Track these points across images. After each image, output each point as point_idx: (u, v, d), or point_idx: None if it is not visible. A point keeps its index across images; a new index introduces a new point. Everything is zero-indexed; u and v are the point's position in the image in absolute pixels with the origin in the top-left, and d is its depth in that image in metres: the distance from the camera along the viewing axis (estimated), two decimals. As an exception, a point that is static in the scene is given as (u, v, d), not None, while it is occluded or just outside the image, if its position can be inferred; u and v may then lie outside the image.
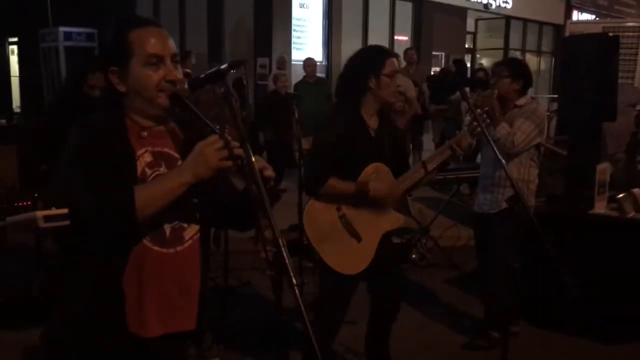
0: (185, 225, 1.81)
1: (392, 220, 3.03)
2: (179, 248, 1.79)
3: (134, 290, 1.72)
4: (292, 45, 12.84)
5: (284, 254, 1.57)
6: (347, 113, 2.94)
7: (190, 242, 1.82)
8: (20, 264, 4.76)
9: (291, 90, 8.40)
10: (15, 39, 18.76)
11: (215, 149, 1.62)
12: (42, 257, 4.35)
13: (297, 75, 9.87)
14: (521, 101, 3.77)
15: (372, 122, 2.98)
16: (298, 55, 12.56)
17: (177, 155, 1.81)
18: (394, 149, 3.06)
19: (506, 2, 17.63)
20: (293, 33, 12.89)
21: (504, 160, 2.82)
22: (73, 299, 1.78)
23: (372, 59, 2.94)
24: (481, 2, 16.81)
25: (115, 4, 14.60)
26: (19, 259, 4.87)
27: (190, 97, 1.73)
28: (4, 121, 12.88)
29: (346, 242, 2.90)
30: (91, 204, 1.62)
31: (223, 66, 1.74)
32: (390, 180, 2.93)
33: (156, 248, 1.74)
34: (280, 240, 1.58)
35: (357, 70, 2.95)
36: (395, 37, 14.66)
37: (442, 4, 15.44)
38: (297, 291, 1.53)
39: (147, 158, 1.75)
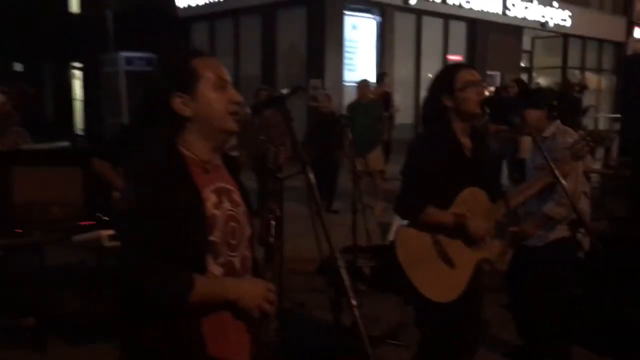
0: (247, 253, 1.84)
1: (489, 248, 2.84)
2: (247, 278, 1.83)
3: (215, 328, 1.72)
4: (344, 66, 12.96)
5: (343, 276, 1.60)
6: (442, 136, 2.81)
7: (250, 267, 1.86)
8: (83, 282, 4.93)
9: (344, 112, 8.46)
10: (79, 64, 19.62)
11: (264, 297, 1.71)
12: (104, 275, 4.48)
13: (350, 96, 9.93)
14: (547, 132, 3.63)
15: (467, 143, 2.83)
16: (350, 76, 12.66)
17: (232, 188, 1.82)
18: (490, 170, 2.94)
19: (564, 20, 17.30)
20: (345, 55, 13.02)
21: (563, 182, 2.72)
22: (149, 332, 1.70)
23: (442, 78, 2.86)
24: (538, 21, 16.56)
25: (173, 29, 15.16)
26: (82, 276, 5.04)
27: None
28: (67, 143, 13.48)
29: (438, 269, 2.74)
30: (148, 279, 1.62)
31: (285, 91, 1.80)
32: (487, 213, 2.76)
33: None
34: (338, 262, 1.61)
35: (432, 92, 2.87)
36: (449, 57, 14.58)
37: (497, 23, 15.30)
38: (356, 312, 1.56)
39: (213, 198, 1.73)
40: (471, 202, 2.72)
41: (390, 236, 6.25)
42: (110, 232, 3.95)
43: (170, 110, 1.71)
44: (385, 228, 6.64)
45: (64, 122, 19.16)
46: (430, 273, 2.75)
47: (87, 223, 4.42)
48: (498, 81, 14.98)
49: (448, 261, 2.76)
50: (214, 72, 1.74)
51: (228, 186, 1.81)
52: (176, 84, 1.71)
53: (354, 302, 1.57)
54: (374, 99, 8.83)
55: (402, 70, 13.70)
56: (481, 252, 2.82)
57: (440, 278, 2.75)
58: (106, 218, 4.40)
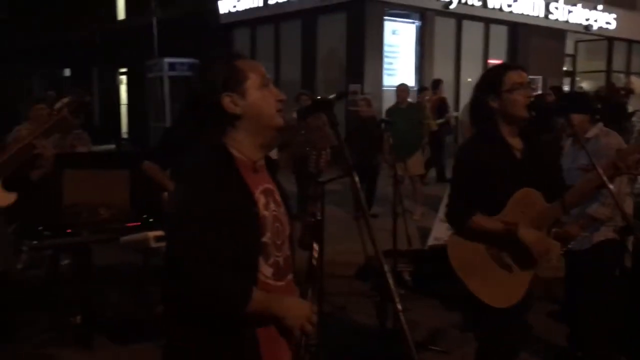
0: (288, 252, 1.88)
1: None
2: (289, 277, 1.87)
3: (267, 334, 1.76)
4: (384, 71, 12.95)
5: (389, 281, 1.62)
6: (487, 138, 2.68)
7: (291, 266, 1.89)
8: (128, 283, 5.07)
9: (382, 116, 8.45)
10: (125, 70, 20.10)
11: (307, 318, 1.75)
12: (149, 276, 4.60)
13: (389, 101, 9.94)
14: (590, 133, 3.57)
15: (516, 143, 2.70)
16: (390, 81, 12.65)
17: (273, 188, 1.86)
18: (546, 170, 2.75)
19: (609, 23, 16.89)
20: (385, 59, 13.01)
21: (612, 186, 2.63)
22: (198, 335, 1.73)
23: (489, 78, 2.75)
24: (581, 24, 16.21)
25: (215, 35, 15.40)
26: (129, 278, 5.18)
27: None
28: (113, 146, 13.87)
29: (496, 274, 2.64)
30: (207, 287, 1.65)
31: (331, 96, 1.83)
32: (541, 215, 2.62)
33: (278, 283, 1.80)
34: (384, 267, 1.63)
35: (479, 93, 2.74)
36: (489, 61, 14.42)
37: (539, 26, 15.05)
38: (402, 317, 1.58)
39: (262, 199, 1.77)
40: (524, 204, 2.59)
41: (430, 241, 6.24)
42: (157, 233, 4.05)
43: (220, 109, 1.74)
44: (424, 232, 6.61)
45: (110, 126, 19.67)
46: (487, 279, 2.63)
47: (133, 224, 4.54)
48: (540, 86, 14.74)
49: (505, 265, 2.64)
50: (257, 71, 1.79)
51: (271, 187, 1.85)
52: (224, 84, 1.74)
53: (399, 307, 1.58)
54: (413, 103, 8.80)
55: (442, 74, 13.55)
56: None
57: (498, 283, 2.63)
58: (152, 220, 4.51)
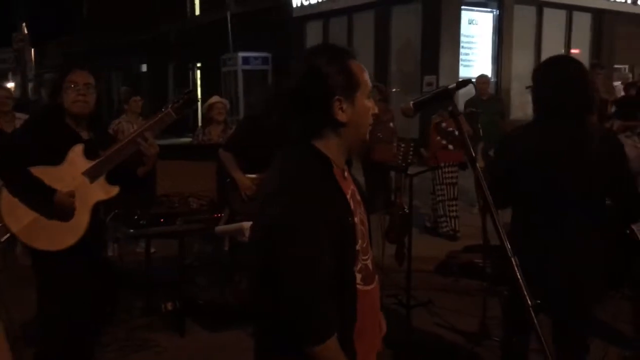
0: (372, 253, 1.77)
1: None
2: (376, 278, 1.77)
3: (357, 332, 1.68)
4: (460, 62, 12.69)
5: (517, 274, 1.56)
6: None
7: (375, 267, 1.79)
8: (214, 272, 5.20)
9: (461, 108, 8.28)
10: (200, 64, 20.62)
11: None
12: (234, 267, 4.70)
13: (465, 93, 9.71)
14: None
15: None
16: (466, 72, 12.39)
17: (355, 188, 1.74)
18: None
19: None
20: (461, 50, 12.74)
21: None
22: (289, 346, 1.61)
23: None
24: (674, 9, 15.31)
25: (288, 28, 15.52)
26: (214, 268, 5.32)
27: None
28: (190, 139, 14.22)
29: None
30: (302, 310, 1.54)
31: (451, 85, 1.77)
32: None
33: (367, 287, 1.71)
34: (513, 260, 1.58)
35: None
36: (572, 51, 13.85)
37: (626, 13, 14.33)
38: (532, 312, 1.53)
39: (352, 205, 1.66)
40: None
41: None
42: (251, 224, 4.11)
43: (328, 113, 1.60)
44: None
45: (186, 119, 20.25)
46: None
47: (220, 215, 4.65)
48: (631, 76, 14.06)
49: None
50: (366, 79, 1.65)
51: (353, 187, 1.74)
52: (339, 87, 1.60)
53: (529, 301, 1.53)
54: (495, 96, 8.59)
55: (521, 65, 13.17)
56: None
57: None
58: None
